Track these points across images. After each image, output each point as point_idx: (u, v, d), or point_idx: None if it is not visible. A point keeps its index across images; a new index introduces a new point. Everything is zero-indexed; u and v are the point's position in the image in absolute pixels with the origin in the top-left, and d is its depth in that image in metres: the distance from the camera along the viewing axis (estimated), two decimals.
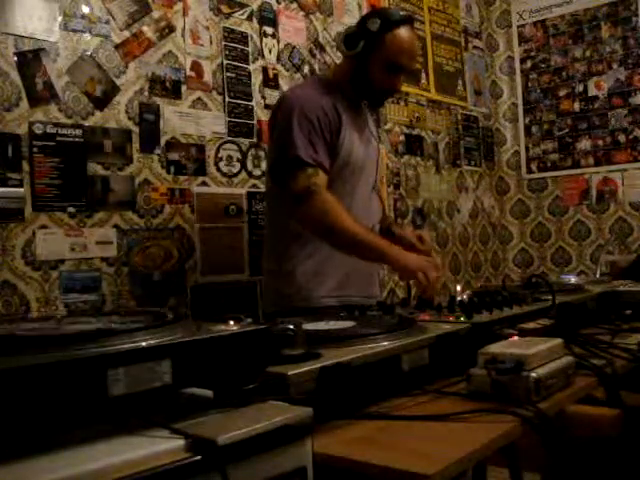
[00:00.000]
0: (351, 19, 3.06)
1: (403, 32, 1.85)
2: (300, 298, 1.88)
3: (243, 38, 2.65)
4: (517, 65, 4.17)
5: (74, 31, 2.11)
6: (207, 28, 2.52)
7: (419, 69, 3.62)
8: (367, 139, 2.01)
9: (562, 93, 3.98)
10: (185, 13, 2.44)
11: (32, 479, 0.57)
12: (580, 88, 3.91)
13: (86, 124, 2.12)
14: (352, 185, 1.93)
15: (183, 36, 2.43)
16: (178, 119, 2.38)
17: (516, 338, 1.16)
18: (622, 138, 3.77)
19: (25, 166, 1.97)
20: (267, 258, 2.05)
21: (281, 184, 1.83)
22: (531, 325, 1.29)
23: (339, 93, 1.93)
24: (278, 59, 2.78)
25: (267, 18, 2.76)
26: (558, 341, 1.11)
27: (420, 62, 3.63)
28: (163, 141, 2.33)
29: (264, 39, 2.73)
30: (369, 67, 1.88)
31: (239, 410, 0.75)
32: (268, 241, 2.06)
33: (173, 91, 2.38)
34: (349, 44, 1.89)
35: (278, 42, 2.79)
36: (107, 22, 2.20)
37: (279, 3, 2.81)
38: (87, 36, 2.14)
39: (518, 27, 4.16)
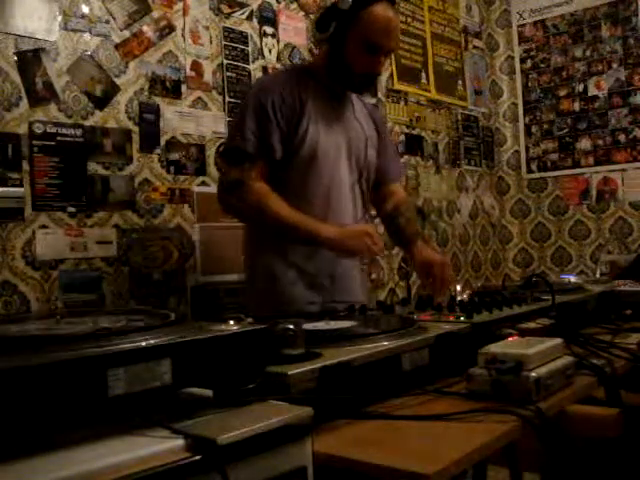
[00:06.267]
0: None
1: (380, 9, 1.71)
2: (281, 304, 1.76)
3: (243, 38, 2.65)
4: (517, 65, 4.17)
5: (74, 31, 2.11)
6: (207, 28, 2.52)
7: (419, 69, 3.62)
8: (345, 129, 1.86)
9: (562, 93, 3.98)
10: (185, 13, 2.44)
11: (32, 479, 0.57)
12: (580, 88, 3.91)
13: (86, 124, 2.12)
14: (329, 177, 1.81)
15: (183, 36, 2.43)
16: (178, 119, 2.38)
17: (516, 338, 1.16)
18: (622, 138, 3.77)
19: (25, 166, 1.97)
20: (247, 260, 1.94)
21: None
22: (531, 325, 1.29)
23: (311, 80, 1.81)
24: (278, 59, 2.77)
25: (267, 18, 2.75)
26: (558, 341, 1.11)
27: (420, 62, 3.64)
28: (163, 141, 2.33)
29: (264, 39, 2.73)
30: (345, 49, 1.74)
31: (239, 410, 0.75)
32: (247, 243, 1.94)
33: (173, 91, 2.38)
34: (321, 27, 1.76)
35: (278, 42, 2.79)
36: (107, 22, 2.20)
37: (279, 3, 2.81)
38: (87, 36, 2.14)
39: (518, 27, 4.17)
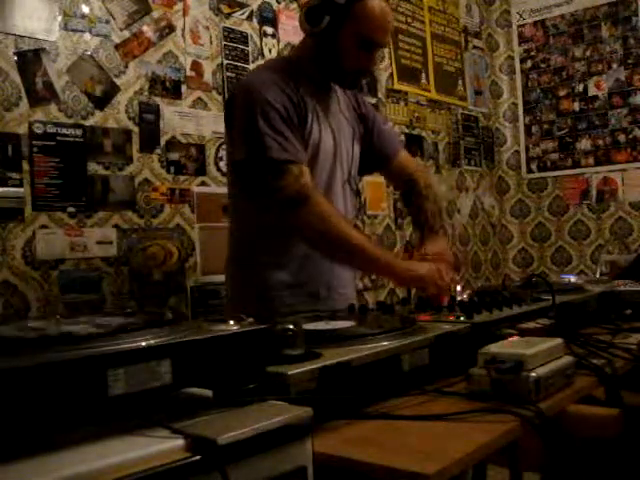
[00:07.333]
0: None
1: (375, 2, 1.61)
2: (272, 310, 1.63)
3: (243, 38, 2.65)
4: (517, 65, 4.18)
5: (74, 31, 2.11)
6: (207, 28, 2.52)
7: (419, 69, 3.62)
8: (336, 125, 1.77)
9: (562, 93, 3.98)
10: (185, 13, 2.44)
11: (32, 479, 0.57)
12: (580, 88, 3.91)
13: (86, 124, 2.12)
14: (329, 178, 1.73)
15: (183, 36, 2.43)
16: (178, 119, 2.38)
17: (516, 338, 1.16)
18: (622, 138, 3.77)
19: (25, 166, 1.97)
20: (232, 263, 1.79)
21: (254, 185, 1.64)
22: (531, 325, 1.29)
23: (302, 75, 1.70)
24: None
25: (267, 18, 2.76)
26: (558, 341, 1.11)
27: (420, 62, 3.64)
28: (163, 141, 2.33)
29: (264, 39, 2.73)
30: (337, 45, 1.64)
31: (239, 410, 0.75)
32: (234, 246, 1.79)
33: (173, 91, 2.38)
34: (312, 20, 1.64)
35: (278, 42, 2.79)
36: (107, 22, 2.20)
37: (279, 3, 2.82)
38: (87, 36, 2.14)
39: (518, 27, 4.17)
